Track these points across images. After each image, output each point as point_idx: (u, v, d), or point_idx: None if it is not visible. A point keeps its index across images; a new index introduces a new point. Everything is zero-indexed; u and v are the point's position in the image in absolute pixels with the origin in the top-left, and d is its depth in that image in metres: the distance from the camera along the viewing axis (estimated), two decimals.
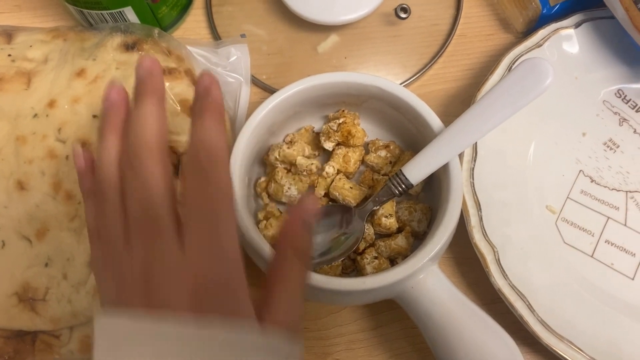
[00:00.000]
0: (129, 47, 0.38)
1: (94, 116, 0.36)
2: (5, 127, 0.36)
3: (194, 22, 0.46)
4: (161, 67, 0.27)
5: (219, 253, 0.23)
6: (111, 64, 0.37)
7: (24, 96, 0.36)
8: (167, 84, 0.36)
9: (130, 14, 0.41)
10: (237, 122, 0.41)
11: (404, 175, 0.34)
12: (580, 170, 0.40)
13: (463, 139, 0.33)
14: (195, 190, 0.23)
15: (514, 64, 0.40)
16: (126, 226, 0.24)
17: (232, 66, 0.43)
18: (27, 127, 0.36)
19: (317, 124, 0.41)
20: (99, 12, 0.40)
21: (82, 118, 0.36)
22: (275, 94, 0.37)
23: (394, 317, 0.38)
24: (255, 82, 0.44)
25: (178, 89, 0.37)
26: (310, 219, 0.26)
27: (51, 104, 0.36)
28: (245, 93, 0.43)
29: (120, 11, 0.40)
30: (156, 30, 0.39)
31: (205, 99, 0.26)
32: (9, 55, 0.38)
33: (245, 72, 0.43)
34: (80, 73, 0.37)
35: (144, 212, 0.23)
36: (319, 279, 0.31)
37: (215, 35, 0.45)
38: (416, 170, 0.34)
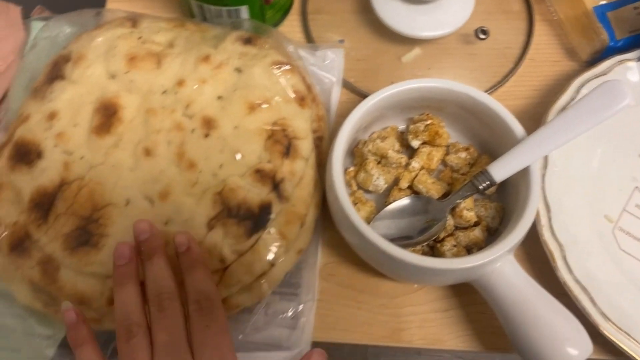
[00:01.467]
0: (246, 41, 0.43)
1: (219, 97, 0.40)
2: (137, 100, 0.40)
3: (290, 26, 0.51)
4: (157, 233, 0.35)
5: None
6: (232, 54, 0.42)
7: (155, 74, 0.41)
8: (284, 77, 0.41)
9: (244, 12, 0.45)
10: (331, 117, 0.46)
11: (489, 174, 0.39)
12: (635, 187, 0.44)
13: (546, 146, 0.38)
14: (202, 330, 0.31)
15: (582, 87, 0.45)
16: (151, 358, 0.30)
17: (327, 67, 0.47)
18: (157, 101, 0.40)
19: (400, 125, 0.46)
20: (219, 7, 0.45)
21: (208, 98, 0.40)
22: (372, 95, 0.41)
23: (464, 302, 0.42)
24: (344, 83, 0.48)
25: (293, 81, 0.41)
26: None
27: (180, 83, 0.40)
28: (336, 92, 0.47)
29: (236, 9, 0.45)
30: (272, 29, 0.44)
31: (188, 255, 0.34)
32: (139, 37, 0.43)
33: (338, 73, 0.47)
34: (206, 59, 0.41)
35: (170, 343, 0.31)
36: (412, 257, 0.36)
37: (310, 39, 0.50)
38: (501, 170, 0.39)
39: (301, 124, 0.40)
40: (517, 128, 0.40)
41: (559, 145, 0.38)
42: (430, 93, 0.42)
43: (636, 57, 0.46)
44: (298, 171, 0.40)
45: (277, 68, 0.41)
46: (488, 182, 0.39)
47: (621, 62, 0.46)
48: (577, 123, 0.38)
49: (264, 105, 0.40)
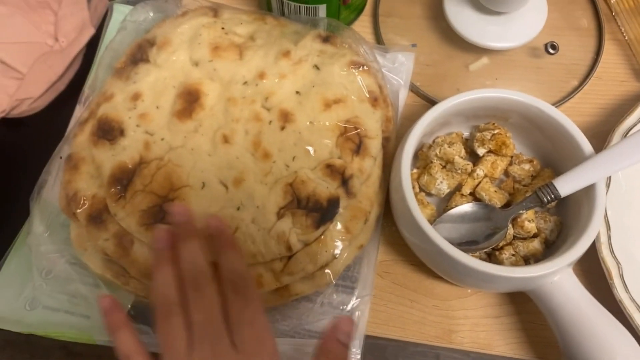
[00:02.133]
0: (325, 40, 0.44)
1: (297, 92, 0.42)
2: (218, 88, 0.42)
3: (362, 27, 0.52)
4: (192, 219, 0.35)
5: (263, 351, 0.31)
6: (311, 51, 0.43)
7: (237, 65, 0.42)
8: (360, 76, 0.42)
9: (322, 10, 0.47)
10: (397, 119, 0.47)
11: (555, 187, 0.40)
12: None
13: (615, 165, 0.39)
14: (239, 309, 0.32)
15: None
16: (189, 336, 0.31)
17: (396, 70, 0.48)
18: (237, 91, 0.42)
19: (464, 130, 0.47)
20: (298, 4, 0.46)
21: (286, 92, 0.42)
22: (443, 102, 0.42)
23: (516, 310, 0.43)
24: (411, 87, 0.49)
25: (368, 81, 0.43)
26: (346, 338, 0.33)
27: (261, 75, 0.42)
28: (403, 95, 0.48)
29: (315, 7, 0.46)
30: (348, 28, 0.45)
31: (221, 238, 0.35)
32: (222, 28, 0.44)
33: (406, 77, 0.49)
34: (286, 54, 0.43)
35: (208, 322, 0.31)
36: (476, 263, 0.37)
37: (380, 41, 0.51)
38: (567, 185, 0.39)
39: (373, 124, 0.42)
40: (586, 145, 0.41)
41: (627, 166, 0.39)
42: (499, 103, 0.43)
43: None
44: (366, 169, 0.41)
45: (354, 68, 0.42)
46: (552, 196, 0.40)
47: None
48: None
49: (340, 103, 0.41)
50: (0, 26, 0.90)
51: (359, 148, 0.41)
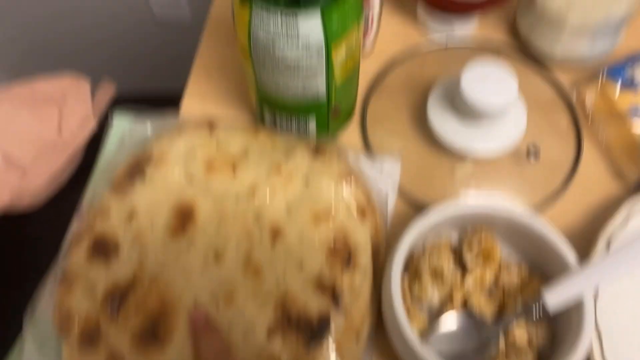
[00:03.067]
0: (314, 152, 0.46)
1: (287, 207, 0.43)
2: (211, 205, 0.43)
3: (350, 132, 0.54)
4: None
5: None
6: (301, 164, 0.45)
7: (230, 181, 0.44)
8: (348, 189, 0.44)
9: (311, 120, 0.49)
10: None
11: (545, 304, 0.40)
12: None
13: (602, 277, 0.39)
14: None
15: (630, 214, 0.46)
16: None
17: (384, 177, 0.50)
18: (230, 208, 0.43)
19: (452, 235, 0.48)
20: (289, 116, 0.48)
21: (277, 207, 0.43)
22: (427, 215, 0.43)
23: None
24: (399, 193, 0.51)
25: (356, 194, 0.44)
26: None
27: (253, 192, 0.43)
28: (392, 202, 0.50)
29: (305, 118, 0.48)
30: (334, 140, 0.47)
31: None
32: (217, 144, 0.46)
33: (394, 184, 0.50)
34: (277, 168, 0.45)
35: None
36: None
37: (368, 146, 0.53)
38: (556, 301, 0.40)
39: (362, 237, 0.43)
40: (569, 255, 0.42)
41: (614, 279, 0.40)
42: (483, 213, 0.45)
43: None
44: (357, 283, 0.42)
45: (342, 181, 0.44)
46: (542, 313, 0.40)
47: None
48: (633, 262, 0.39)
49: (329, 217, 0.42)
50: (6, 122, 0.94)
51: (348, 262, 0.42)
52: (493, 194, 0.51)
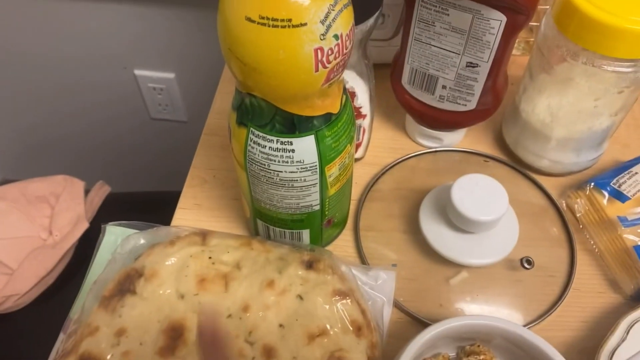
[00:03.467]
0: (307, 266, 0.46)
1: (280, 325, 0.42)
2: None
3: (344, 241, 0.55)
4: None
5: None
6: (295, 279, 0.45)
7: (222, 297, 0.43)
8: (343, 306, 0.43)
9: (305, 235, 0.49)
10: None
11: None
12: None
13: None
14: None
15: (631, 328, 0.46)
16: None
17: (379, 287, 0.50)
18: (221, 325, 0.42)
19: (449, 351, 0.46)
20: (283, 230, 0.48)
21: (270, 325, 0.42)
22: (427, 330, 0.43)
23: None
24: (395, 303, 0.50)
25: (351, 311, 0.43)
26: None
27: (245, 308, 0.43)
28: (387, 312, 0.49)
29: (299, 231, 0.49)
30: (328, 252, 0.47)
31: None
32: (210, 257, 0.46)
33: (389, 294, 0.49)
34: (270, 284, 0.44)
35: None
36: None
37: (361, 254, 0.53)
38: None
39: (358, 356, 0.41)
40: None
41: None
42: (483, 328, 0.44)
43: None
44: None
45: (337, 298, 0.43)
46: None
47: None
48: None
49: (323, 336, 0.41)
50: None
51: None
52: (489, 304, 0.51)
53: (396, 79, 0.58)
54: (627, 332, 0.46)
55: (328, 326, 0.42)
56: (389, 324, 0.49)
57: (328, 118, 0.39)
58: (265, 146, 0.39)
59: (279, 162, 0.41)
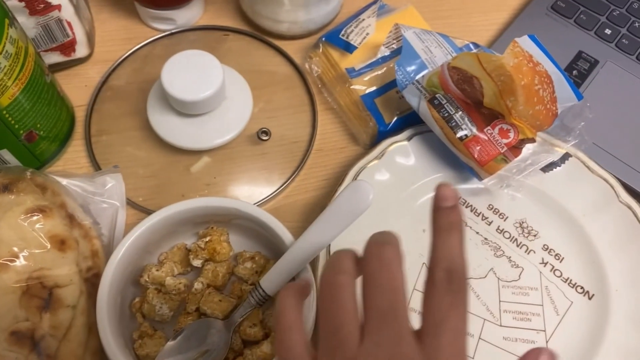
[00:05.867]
0: (3, 189, 0.41)
1: None
2: None
3: (75, 152, 0.50)
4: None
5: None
6: None
7: None
8: (38, 223, 0.39)
9: (6, 155, 0.44)
10: (115, 245, 0.44)
11: (262, 288, 0.39)
12: (423, 263, 0.46)
13: (308, 252, 0.38)
14: (445, 307, 0.26)
15: (358, 175, 0.46)
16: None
17: (109, 193, 0.46)
18: None
19: (190, 240, 0.45)
20: None
21: None
22: (143, 221, 0.41)
23: None
24: (131, 204, 0.47)
25: (49, 226, 0.39)
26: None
27: None
28: (122, 217, 0.46)
29: None
30: (28, 172, 0.42)
31: (450, 214, 0.29)
32: None
33: (120, 198, 0.46)
34: None
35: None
36: None
37: (94, 163, 0.49)
38: (272, 283, 0.39)
39: (63, 271, 0.39)
40: (286, 236, 0.40)
41: (321, 249, 0.39)
42: (203, 211, 0.42)
43: (406, 137, 0.48)
44: (62, 323, 0.37)
45: (28, 217, 0.39)
46: (261, 296, 0.39)
47: (392, 144, 0.48)
48: (333, 226, 0.38)
49: (15, 261, 0.38)
50: None
51: (47, 303, 0.37)
52: (232, 183, 0.49)
53: None
54: (355, 178, 0.46)
55: (16, 249, 0.38)
56: (125, 227, 0.46)
57: None
58: None
59: None
